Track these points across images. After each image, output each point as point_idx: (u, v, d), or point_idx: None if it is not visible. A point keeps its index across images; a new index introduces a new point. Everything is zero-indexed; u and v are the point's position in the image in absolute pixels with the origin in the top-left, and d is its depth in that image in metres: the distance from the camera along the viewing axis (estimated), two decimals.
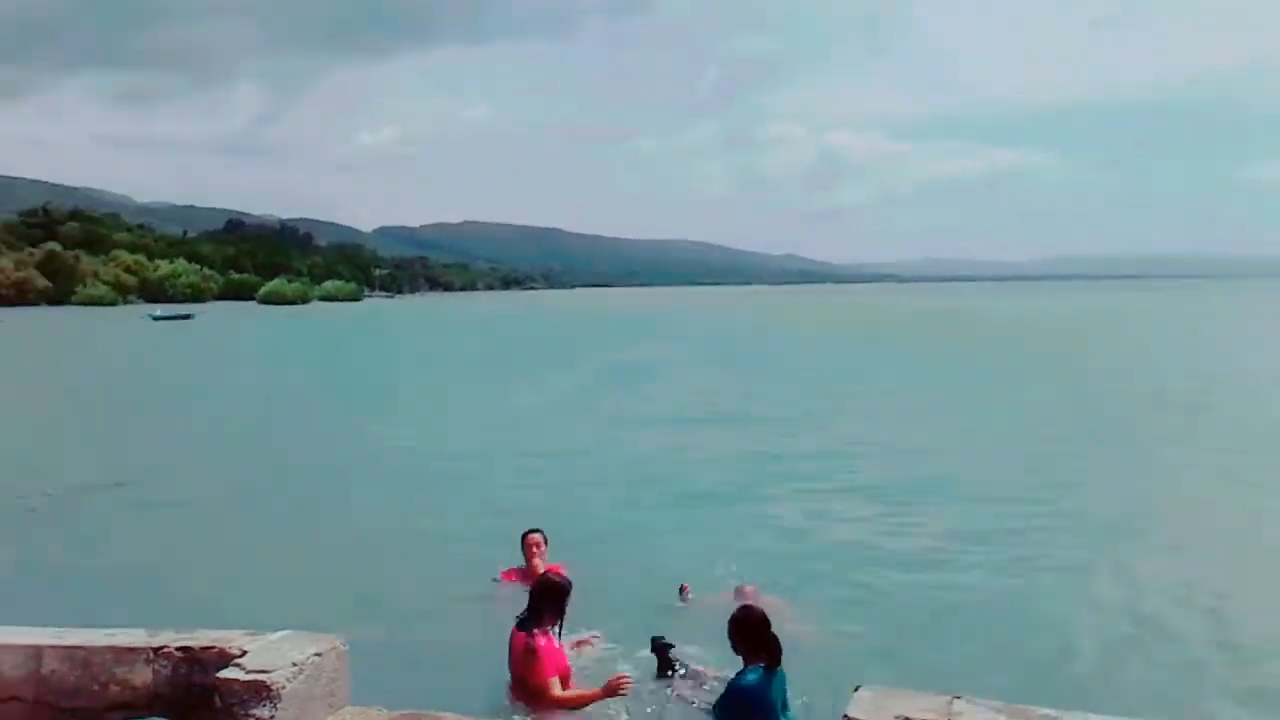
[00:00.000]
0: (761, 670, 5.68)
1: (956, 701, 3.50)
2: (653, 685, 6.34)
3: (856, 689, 3.64)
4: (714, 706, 5.90)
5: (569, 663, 6.15)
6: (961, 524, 11.60)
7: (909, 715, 3.39)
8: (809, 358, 39.22)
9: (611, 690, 5.83)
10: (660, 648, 6.47)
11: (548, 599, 6.07)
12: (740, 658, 5.86)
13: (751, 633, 5.75)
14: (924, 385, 27.86)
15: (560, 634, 6.16)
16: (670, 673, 6.41)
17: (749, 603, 6.69)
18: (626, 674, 6.00)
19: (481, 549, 9.68)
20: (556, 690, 5.91)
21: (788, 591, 8.55)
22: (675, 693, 6.35)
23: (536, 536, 8.52)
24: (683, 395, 26.28)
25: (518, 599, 8.21)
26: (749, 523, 11.82)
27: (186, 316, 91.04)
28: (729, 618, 5.96)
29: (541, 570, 8.32)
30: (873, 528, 11.61)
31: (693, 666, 6.59)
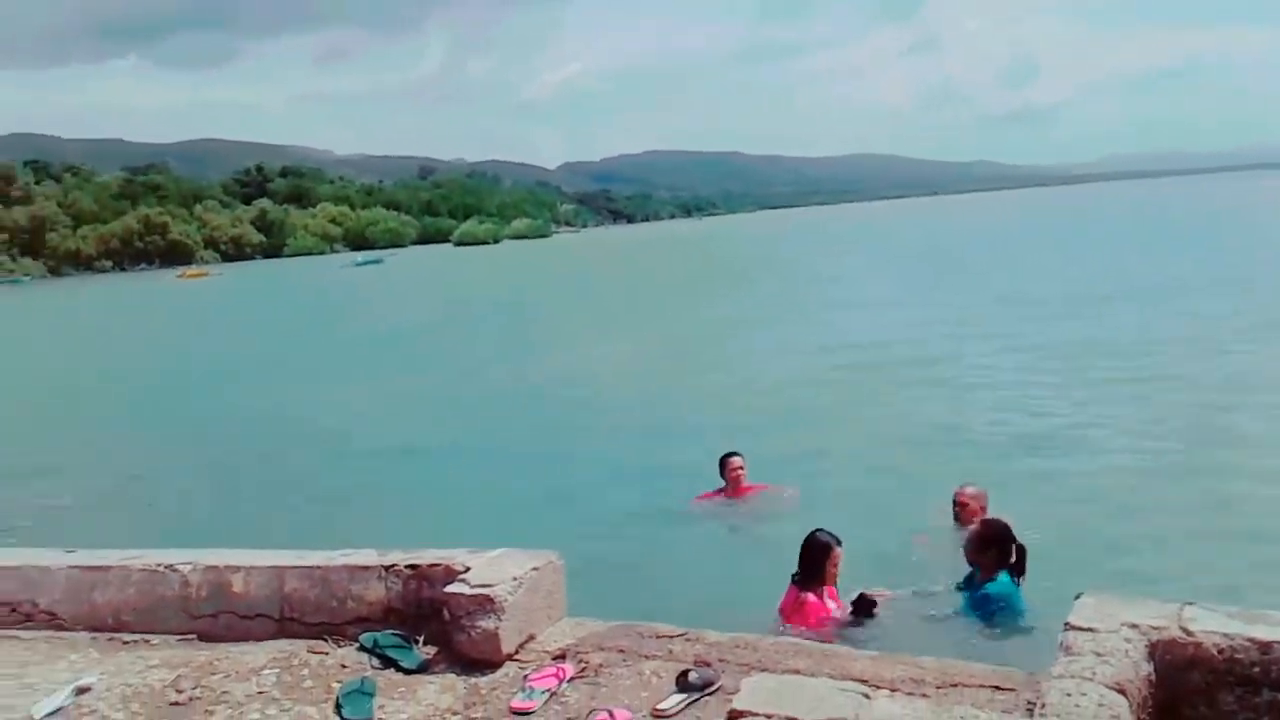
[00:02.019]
0: (1009, 577, 5.76)
1: (1188, 608, 3.31)
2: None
3: (1078, 596, 3.50)
4: (968, 609, 5.89)
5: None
6: (1192, 423, 10.99)
7: (1136, 622, 3.24)
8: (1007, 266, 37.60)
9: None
10: (864, 602, 5.99)
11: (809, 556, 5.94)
12: (976, 568, 5.86)
13: (997, 543, 5.78)
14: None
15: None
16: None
17: (977, 508, 6.69)
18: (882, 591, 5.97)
19: (682, 472, 9.82)
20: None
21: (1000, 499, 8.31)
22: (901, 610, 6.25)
23: (737, 460, 8.60)
24: (870, 318, 25.72)
25: (716, 519, 8.36)
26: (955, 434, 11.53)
27: (378, 261, 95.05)
28: (971, 532, 5.96)
29: (745, 490, 8.47)
30: (1092, 428, 11.16)
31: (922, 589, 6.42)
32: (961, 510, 7.15)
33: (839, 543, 5.86)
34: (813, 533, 5.93)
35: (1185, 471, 9.49)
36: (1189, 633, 3.13)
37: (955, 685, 3.43)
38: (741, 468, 8.57)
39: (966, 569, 6.14)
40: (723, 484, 8.62)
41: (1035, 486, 9.35)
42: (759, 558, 7.11)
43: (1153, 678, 3.10)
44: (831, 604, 5.92)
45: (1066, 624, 3.29)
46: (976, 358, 16.96)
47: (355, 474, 12.05)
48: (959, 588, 6.17)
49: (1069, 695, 2.85)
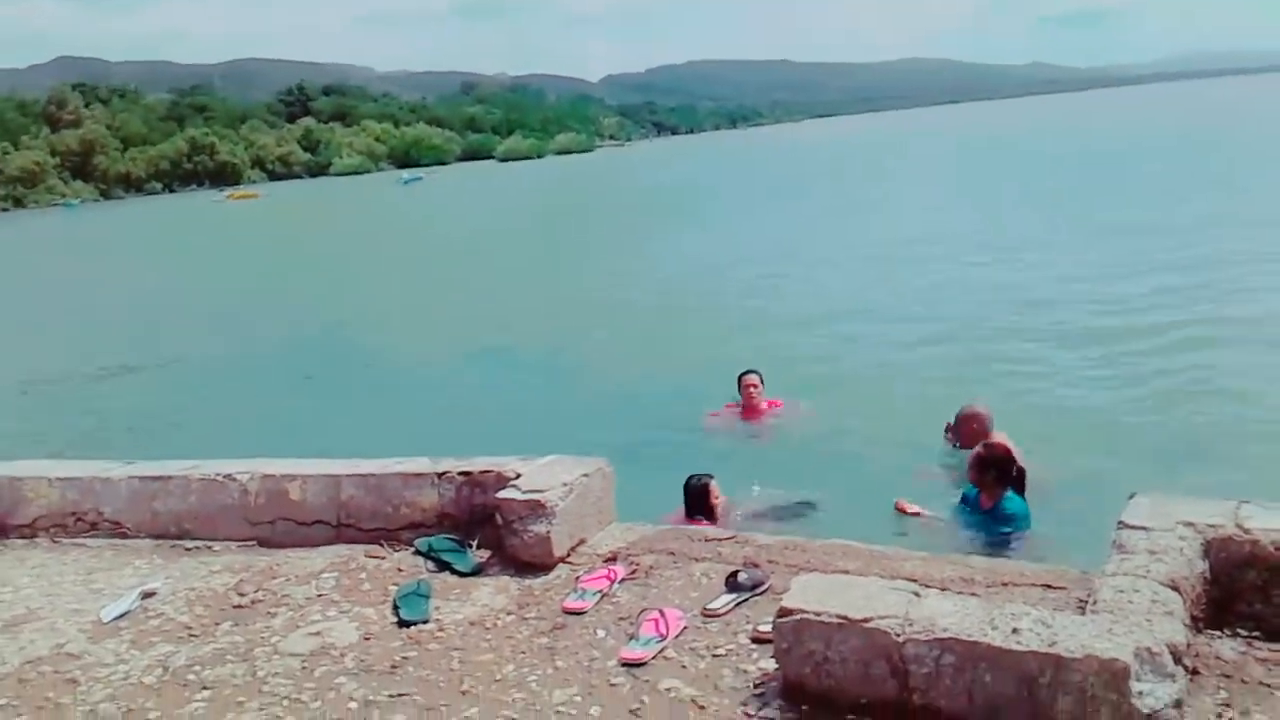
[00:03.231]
0: (1015, 495, 5.86)
1: (1244, 506, 3.27)
2: None
3: (1132, 496, 3.47)
4: (982, 527, 5.96)
5: None
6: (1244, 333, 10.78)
7: (1192, 520, 3.20)
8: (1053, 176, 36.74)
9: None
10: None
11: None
12: (976, 489, 5.97)
13: (998, 465, 5.88)
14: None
15: None
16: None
17: (981, 428, 6.70)
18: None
19: (702, 389, 9.81)
20: None
21: (1045, 406, 8.26)
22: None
23: (753, 378, 8.62)
24: (914, 224, 25.31)
25: (728, 435, 8.39)
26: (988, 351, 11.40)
27: (419, 179, 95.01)
28: (972, 454, 6.02)
29: (762, 408, 8.50)
30: (1134, 338, 10.99)
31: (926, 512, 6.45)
32: (964, 429, 7.02)
33: (711, 477, 6.34)
34: (689, 479, 6.35)
35: (1242, 372, 9.35)
36: (1245, 530, 3.09)
37: (1005, 584, 3.43)
38: (756, 385, 8.57)
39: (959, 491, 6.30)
40: (739, 400, 8.66)
41: (1082, 390, 9.28)
42: (767, 474, 7.10)
43: (1208, 575, 3.08)
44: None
45: (1120, 522, 3.26)
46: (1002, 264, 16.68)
47: (403, 387, 12.21)
48: (960, 509, 6.20)
49: (1122, 592, 2.83)
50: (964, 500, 6.19)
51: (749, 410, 8.60)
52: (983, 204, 27.67)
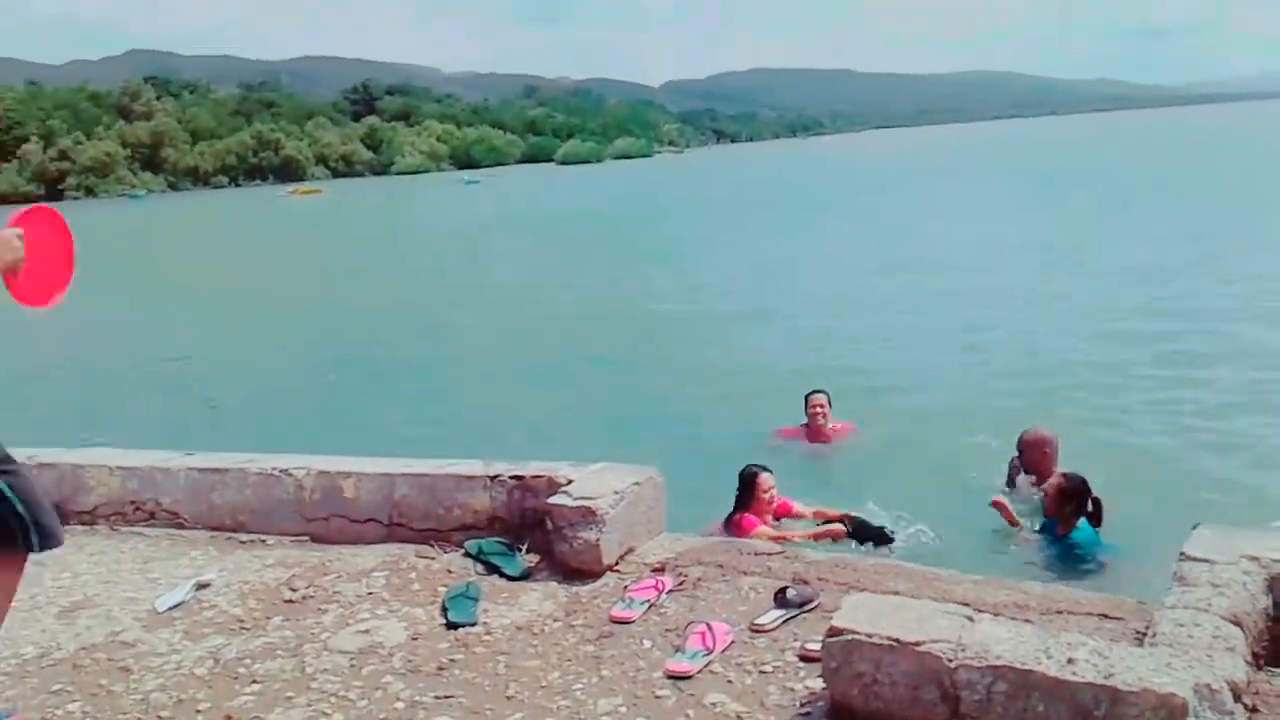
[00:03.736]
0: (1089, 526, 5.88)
1: None
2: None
3: (1195, 527, 3.39)
4: (1057, 555, 5.98)
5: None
6: None
7: (1256, 555, 3.13)
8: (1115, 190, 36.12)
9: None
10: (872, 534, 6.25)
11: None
12: (1053, 520, 5.98)
13: (1076, 497, 5.89)
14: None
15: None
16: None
17: (1049, 454, 6.65)
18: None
19: (769, 402, 9.75)
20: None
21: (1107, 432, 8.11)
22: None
23: (820, 398, 8.45)
24: (965, 242, 25.02)
25: (795, 453, 8.27)
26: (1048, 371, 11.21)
27: (476, 181, 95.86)
28: (1049, 485, 6.01)
29: (826, 432, 8.36)
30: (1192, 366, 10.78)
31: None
32: (1032, 453, 6.85)
33: (765, 470, 6.48)
34: (746, 467, 6.52)
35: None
36: None
37: (1060, 612, 3.37)
38: (822, 406, 8.35)
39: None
40: (805, 420, 8.52)
41: (1146, 417, 9.11)
42: (827, 498, 7.02)
43: (1271, 611, 3.00)
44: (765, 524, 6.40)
45: (1182, 554, 3.19)
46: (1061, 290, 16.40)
47: (457, 388, 12.31)
48: (1039, 532, 6.19)
49: (1182, 625, 2.77)
50: (1042, 529, 6.16)
51: (814, 431, 8.39)
52: (1056, 220, 27.23)
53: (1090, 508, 5.91)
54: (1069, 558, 5.84)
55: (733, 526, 6.24)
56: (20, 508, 2.75)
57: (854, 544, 6.12)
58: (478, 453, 4.71)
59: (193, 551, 4.53)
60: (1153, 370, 10.75)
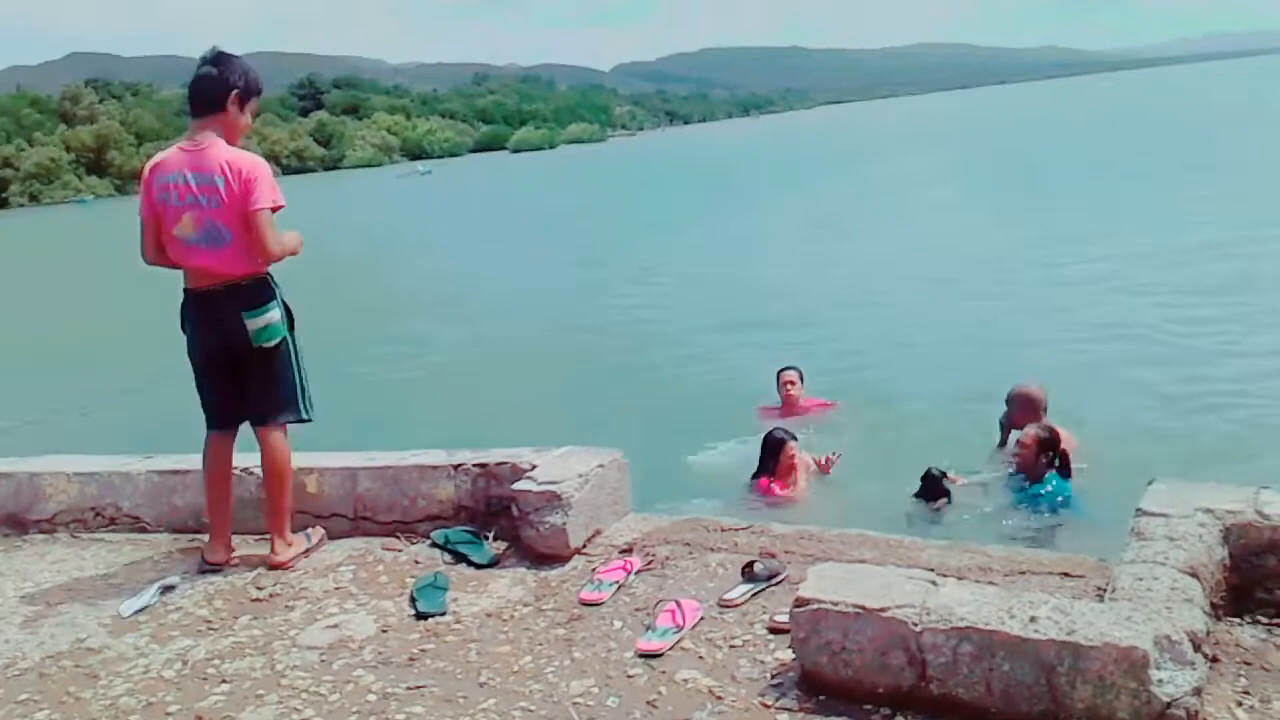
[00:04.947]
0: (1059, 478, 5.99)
1: (1264, 492, 3.25)
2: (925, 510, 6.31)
3: (1150, 482, 3.45)
4: (1030, 506, 6.07)
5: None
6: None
7: (1211, 507, 3.19)
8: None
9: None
10: (932, 479, 6.33)
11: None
12: (1028, 470, 6.08)
13: (1048, 449, 6.01)
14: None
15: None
16: (938, 501, 6.29)
17: (1037, 408, 6.72)
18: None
19: (744, 381, 9.78)
20: None
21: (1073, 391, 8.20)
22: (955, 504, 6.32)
23: (790, 374, 8.49)
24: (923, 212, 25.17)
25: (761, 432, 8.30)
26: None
27: (428, 171, 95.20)
28: (1026, 434, 6.10)
29: (800, 405, 8.41)
30: (1164, 324, 10.94)
31: (972, 480, 6.54)
32: (1020, 411, 6.86)
33: (793, 438, 6.84)
34: (770, 430, 6.95)
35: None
36: (1265, 516, 3.08)
37: (1023, 573, 3.42)
38: (793, 382, 8.39)
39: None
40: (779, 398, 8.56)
41: (1104, 378, 9.25)
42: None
43: (1227, 562, 3.06)
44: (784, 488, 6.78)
45: (1138, 510, 3.25)
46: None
47: (417, 378, 12.25)
48: (1009, 485, 6.29)
49: (1140, 579, 2.82)
50: (1008, 480, 6.29)
51: (788, 407, 8.43)
52: (1018, 190, 27.44)
53: (1060, 459, 6.08)
54: (1042, 509, 5.97)
55: (756, 488, 6.75)
56: None
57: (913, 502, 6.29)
58: (440, 443, 4.70)
59: (156, 555, 4.48)
60: (1116, 331, 10.94)
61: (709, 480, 7.23)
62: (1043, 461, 6.04)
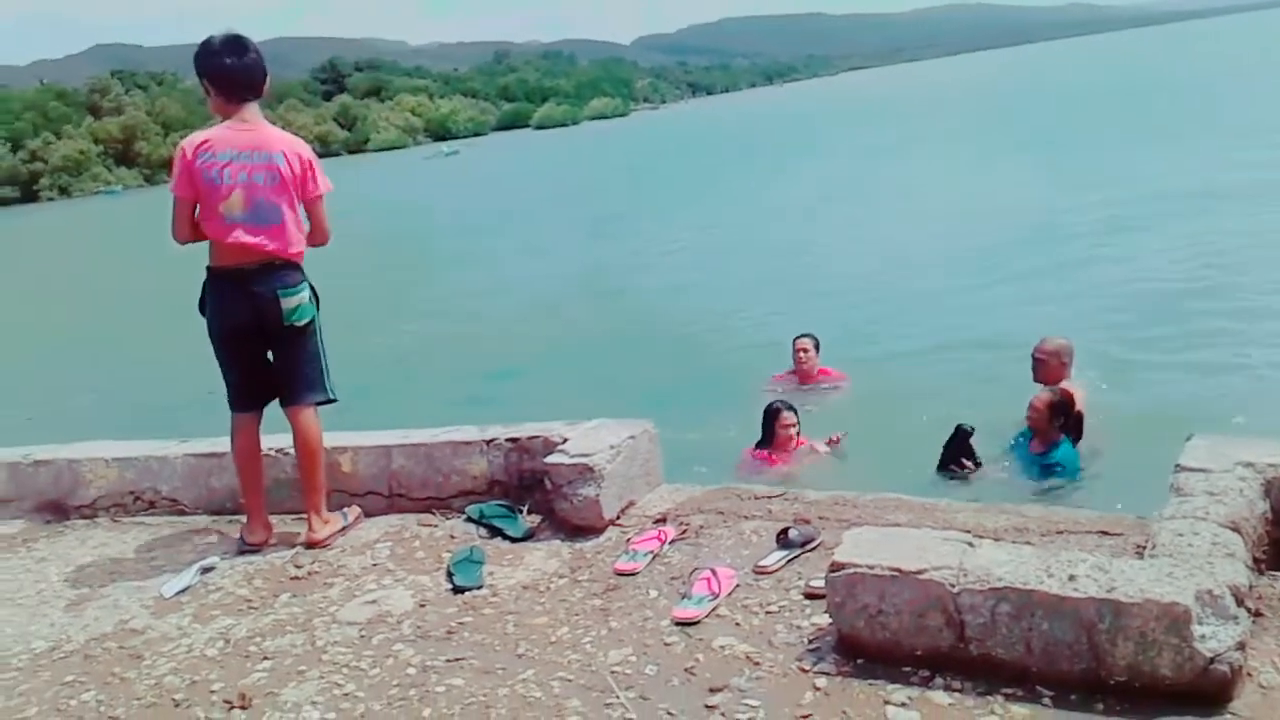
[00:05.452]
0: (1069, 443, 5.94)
1: None
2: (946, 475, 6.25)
3: (1189, 438, 3.41)
4: (1039, 473, 6.02)
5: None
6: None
7: (1251, 460, 3.15)
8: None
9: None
10: (963, 435, 6.25)
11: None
12: (1039, 432, 6.01)
13: (1064, 412, 5.95)
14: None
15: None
16: (965, 464, 6.22)
17: (1059, 365, 6.62)
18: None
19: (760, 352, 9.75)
20: None
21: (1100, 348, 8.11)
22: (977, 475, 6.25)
23: (805, 341, 8.44)
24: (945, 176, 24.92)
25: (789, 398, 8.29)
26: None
27: (456, 152, 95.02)
28: (1039, 399, 6.02)
29: (814, 374, 8.38)
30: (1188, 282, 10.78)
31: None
32: (1041, 367, 6.67)
33: (787, 407, 6.84)
34: (770, 403, 6.94)
35: None
36: None
37: (1060, 532, 3.40)
38: (807, 349, 8.34)
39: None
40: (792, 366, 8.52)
41: (1141, 333, 9.16)
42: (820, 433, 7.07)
43: (1269, 515, 3.02)
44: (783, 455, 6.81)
45: (1177, 465, 3.21)
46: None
47: (449, 355, 12.30)
48: (1013, 449, 6.21)
49: (1180, 535, 2.79)
50: (1016, 443, 6.20)
51: (802, 375, 8.40)
52: (1040, 151, 27.10)
53: (1074, 422, 6.02)
54: (1044, 476, 5.93)
55: (747, 458, 6.75)
56: None
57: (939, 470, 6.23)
58: (472, 419, 4.71)
59: (195, 537, 4.53)
60: (1143, 289, 10.80)
61: (726, 450, 7.20)
62: (1055, 426, 5.97)
